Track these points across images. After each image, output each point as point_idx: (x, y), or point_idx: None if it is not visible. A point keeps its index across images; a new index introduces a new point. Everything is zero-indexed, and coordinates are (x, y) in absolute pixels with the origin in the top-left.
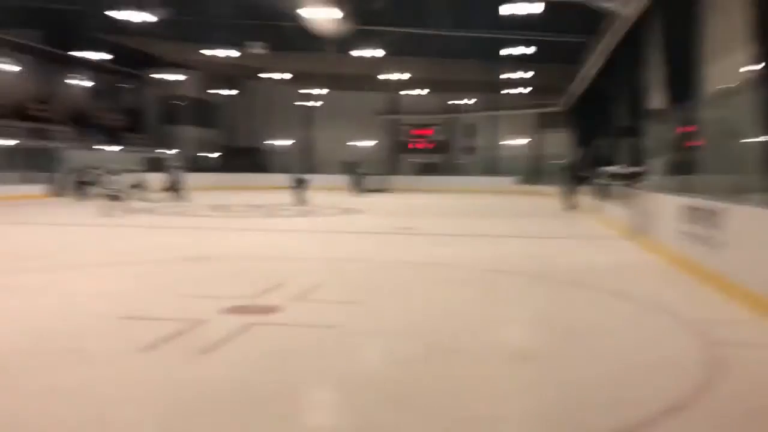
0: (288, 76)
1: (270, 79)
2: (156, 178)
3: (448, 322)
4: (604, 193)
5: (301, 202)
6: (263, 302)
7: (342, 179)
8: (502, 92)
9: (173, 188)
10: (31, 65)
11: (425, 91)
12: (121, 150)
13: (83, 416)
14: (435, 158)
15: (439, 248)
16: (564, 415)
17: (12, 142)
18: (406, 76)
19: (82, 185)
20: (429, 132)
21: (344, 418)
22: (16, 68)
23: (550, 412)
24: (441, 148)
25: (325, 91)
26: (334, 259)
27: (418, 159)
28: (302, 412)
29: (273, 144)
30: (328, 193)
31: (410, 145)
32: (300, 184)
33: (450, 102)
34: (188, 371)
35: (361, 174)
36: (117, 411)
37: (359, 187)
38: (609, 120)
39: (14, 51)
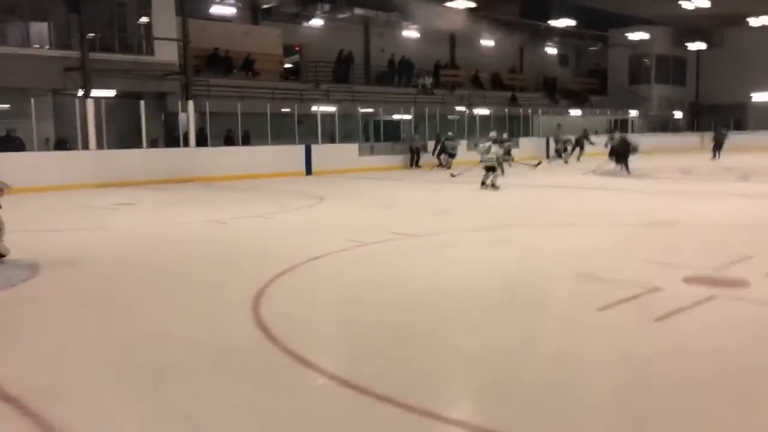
0: None
1: (751, 26)
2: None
3: None
4: None
5: None
6: (728, 274)
7: None
8: None
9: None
10: (506, 38)
11: None
12: (584, 113)
13: (535, 363)
14: None
15: None
16: None
17: (487, 111)
18: None
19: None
20: None
21: None
22: (493, 42)
23: None
24: None
25: None
26: None
27: None
28: None
29: (752, 99)
30: None
31: None
32: None
33: None
34: (641, 336)
35: None
36: (571, 362)
37: None
38: None
39: (492, 26)
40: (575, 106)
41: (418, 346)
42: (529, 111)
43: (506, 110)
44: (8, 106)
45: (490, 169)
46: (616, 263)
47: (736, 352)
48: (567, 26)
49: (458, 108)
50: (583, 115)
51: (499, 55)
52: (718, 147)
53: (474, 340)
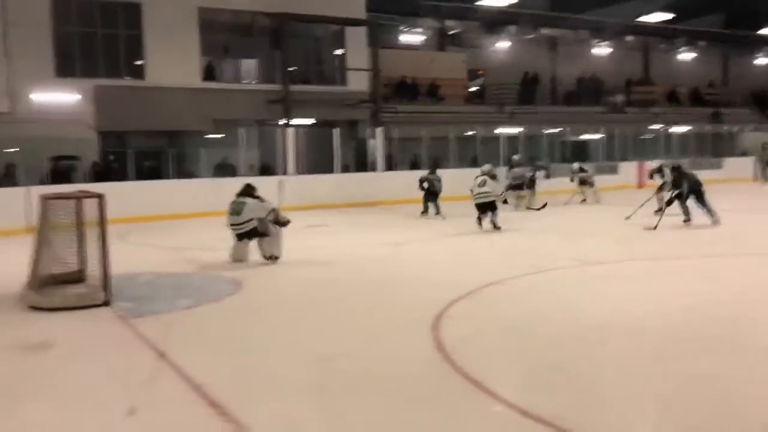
0: None
1: None
2: None
3: None
4: None
5: None
6: None
7: None
8: None
9: None
10: (708, 50)
11: None
12: None
13: (723, 405)
14: None
15: None
16: None
17: (685, 129)
18: None
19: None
20: None
21: None
22: (692, 55)
23: None
24: None
25: None
26: None
27: None
28: None
29: None
30: None
31: None
32: None
33: None
34: None
35: None
36: (741, 407)
37: None
38: None
39: (691, 38)
40: None
41: (604, 383)
42: (735, 129)
43: (707, 128)
44: (222, 135)
45: (484, 208)
46: None
47: None
48: None
49: (652, 126)
50: None
51: (700, 69)
52: None
53: (658, 382)
